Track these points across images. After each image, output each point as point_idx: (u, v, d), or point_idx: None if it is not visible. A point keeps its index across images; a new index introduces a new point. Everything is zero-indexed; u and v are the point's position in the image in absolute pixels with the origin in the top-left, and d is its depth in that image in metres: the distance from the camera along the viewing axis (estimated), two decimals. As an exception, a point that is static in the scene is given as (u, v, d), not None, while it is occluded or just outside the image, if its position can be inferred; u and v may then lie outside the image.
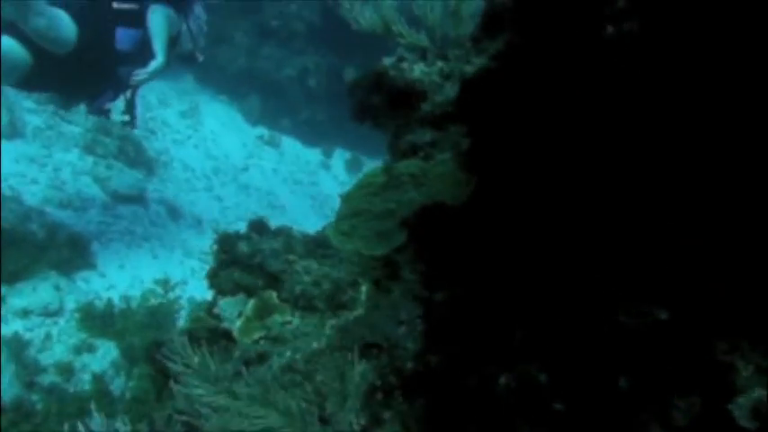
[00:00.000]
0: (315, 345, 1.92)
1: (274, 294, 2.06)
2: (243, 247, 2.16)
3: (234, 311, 2.06)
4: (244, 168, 8.41)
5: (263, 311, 2.03)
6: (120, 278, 5.84)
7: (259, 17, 9.50)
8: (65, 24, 4.49)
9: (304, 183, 8.72)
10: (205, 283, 6.51)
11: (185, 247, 6.68)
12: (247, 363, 1.91)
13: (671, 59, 1.00)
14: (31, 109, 6.87)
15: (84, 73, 4.73)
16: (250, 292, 2.09)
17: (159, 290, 6.09)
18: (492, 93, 1.98)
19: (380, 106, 3.21)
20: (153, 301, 5.76)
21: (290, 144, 9.26)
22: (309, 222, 7.94)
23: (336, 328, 1.92)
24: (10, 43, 4.40)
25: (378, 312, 1.90)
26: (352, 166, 9.59)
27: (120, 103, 5.25)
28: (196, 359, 1.93)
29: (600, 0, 1.06)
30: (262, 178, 8.47)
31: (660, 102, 1.12)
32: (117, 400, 4.62)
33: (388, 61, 3.14)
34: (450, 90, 2.88)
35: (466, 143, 2.46)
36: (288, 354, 1.89)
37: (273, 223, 7.75)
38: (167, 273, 6.25)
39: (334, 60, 9.52)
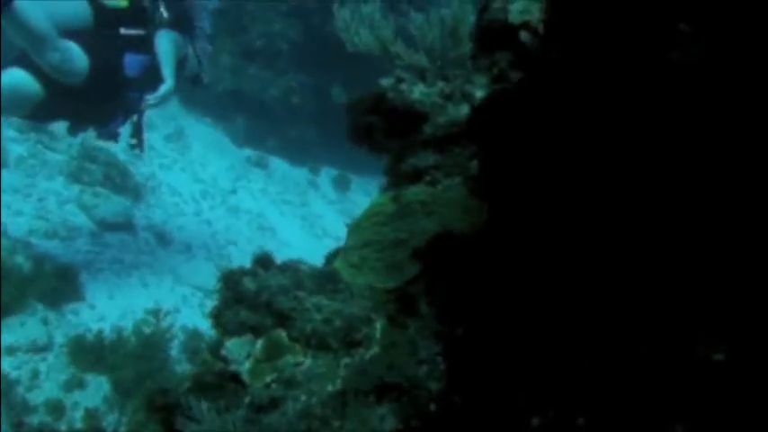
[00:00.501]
0: (330, 387, 1.82)
1: (284, 334, 1.96)
2: (248, 284, 2.06)
3: (242, 353, 1.95)
4: (232, 191, 8.30)
5: (273, 352, 1.93)
6: (111, 309, 5.70)
7: (244, 38, 9.42)
8: (77, 56, 4.48)
9: (293, 203, 8.61)
10: (197, 310, 6.38)
11: (176, 274, 6.55)
12: (259, 408, 1.81)
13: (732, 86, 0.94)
14: (12, 138, 6.73)
15: (94, 100, 4.74)
16: (258, 332, 1.98)
17: (151, 319, 5.95)
18: (509, 116, 1.90)
19: (379, 128, 3.13)
20: (145, 331, 5.61)
21: (277, 164, 9.17)
22: (300, 243, 7.83)
23: (352, 369, 1.83)
24: (22, 76, 4.40)
25: (395, 350, 1.81)
26: (340, 184, 9.51)
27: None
28: (206, 412, 1.83)
29: (660, 24, 0.99)
30: (251, 200, 8.36)
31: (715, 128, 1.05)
32: (111, 436, 4.48)
33: (386, 82, 3.07)
34: (453, 111, 2.81)
35: (475, 167, 2.39)
36: (303, 398, 1.78)
37: (264, 246, 7.59)
38: (158, 301, 6.11)
39: (319, 79, 9.45)
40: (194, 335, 5.86)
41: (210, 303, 6.33)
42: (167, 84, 4.93)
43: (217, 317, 2.07)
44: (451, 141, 2.79)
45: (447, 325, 1.81)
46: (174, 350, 5.81)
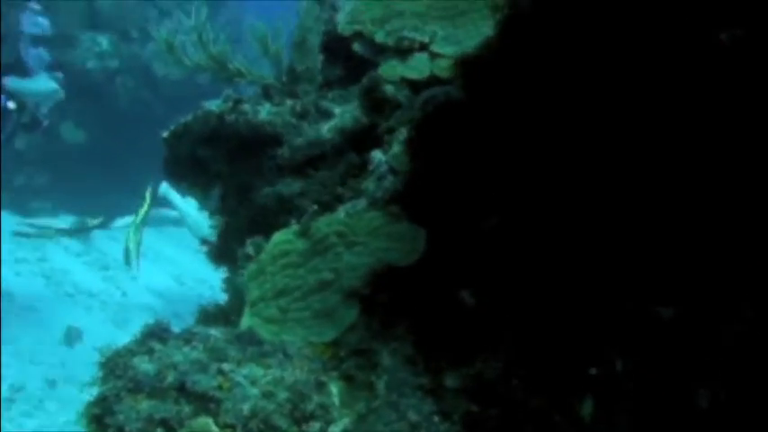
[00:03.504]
0: (300, 482, 1.41)
1: (210, 422, 1.49)
2: (144, 365, 1.55)
3: (157, 460, 1.44)
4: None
5: (202, 450, 1.46)
6: None
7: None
8: None
9: (29, 260, 7.38)
10: None
11: None
12: None
13: None
14: None
15: None
16: (171, 427, 1.49)
17: None
18: (450, 138, 1.67)
19: (218, 157, 2.70)
20: None
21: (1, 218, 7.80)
22: (48, 307, 6.71)
23: (323, 452, 1.43)
24: None
25: (374, 418, 1.46)
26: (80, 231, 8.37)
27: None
28: None
29: None
30: (-32, 265, 6.97)
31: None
32: None
33: (216, 106, 2.65)
34: (311, 130, 2.50)
35: (374, 190, 2.11)
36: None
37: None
38: None
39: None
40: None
41: None
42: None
43: (99, 418, 1.52)
44: (313, 164, 2.48)
45: (428, 373, 1.52)
46: None
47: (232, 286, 2.23)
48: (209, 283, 8.00)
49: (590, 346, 1.33)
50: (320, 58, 2.56)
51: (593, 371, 1.31)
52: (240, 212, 2.67)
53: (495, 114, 1.54)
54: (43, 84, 6.13)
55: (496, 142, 1.55)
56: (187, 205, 6.82)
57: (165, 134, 2.71)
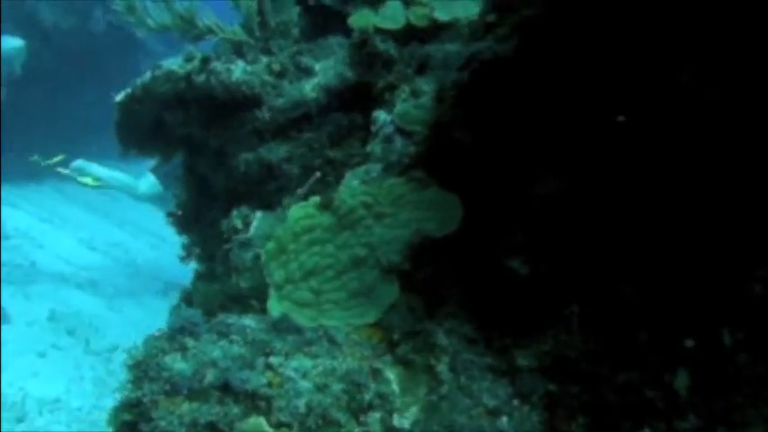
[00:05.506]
0: (375, 480, 1.30)
1: (263, 422, 1.35)
2: (177, 364, 1.37)
3: (210, 470, 1.29)
4: None
5: (258, 454, 1.32)
6: None
7: None
8: None
9: None
10: None
11: None
12: None
13: None
14: None
15: None
16: (220, 430, 1.33)
17: None
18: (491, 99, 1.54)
19: (189, 121, 2.46)
20: None
21: None
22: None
23: (394, 446, 1.33)
24: None
25: (448, 406, 1.36)
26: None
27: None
28: None
29: None
30: None
31: None
32: None
33: (179, 66, 2.41)
34: (293, 89, 2.32)
35: (382, 152, 1.97)
36: None
37: None
38: None
39: None
40: None
41: None
42: None
43: (132, 425, 1.35)
44: (297, 126, 2.31)
45: (492, 353, 1.43)
46: None
47: (226, 261, 2.05)
48: (124, 246, 7.60)
49: (682, 317, 1.28)
50: (296, 10, 2.36)
51: (689, 343, 1.26)
52: (215, 180, 2.46)
53: (555, 75, 1.44)
54: (10, 42, 5.98)
55: (557, 107, 1.46)
56: (110, 171, 6.26)
57: (120, 97, 2.44)
